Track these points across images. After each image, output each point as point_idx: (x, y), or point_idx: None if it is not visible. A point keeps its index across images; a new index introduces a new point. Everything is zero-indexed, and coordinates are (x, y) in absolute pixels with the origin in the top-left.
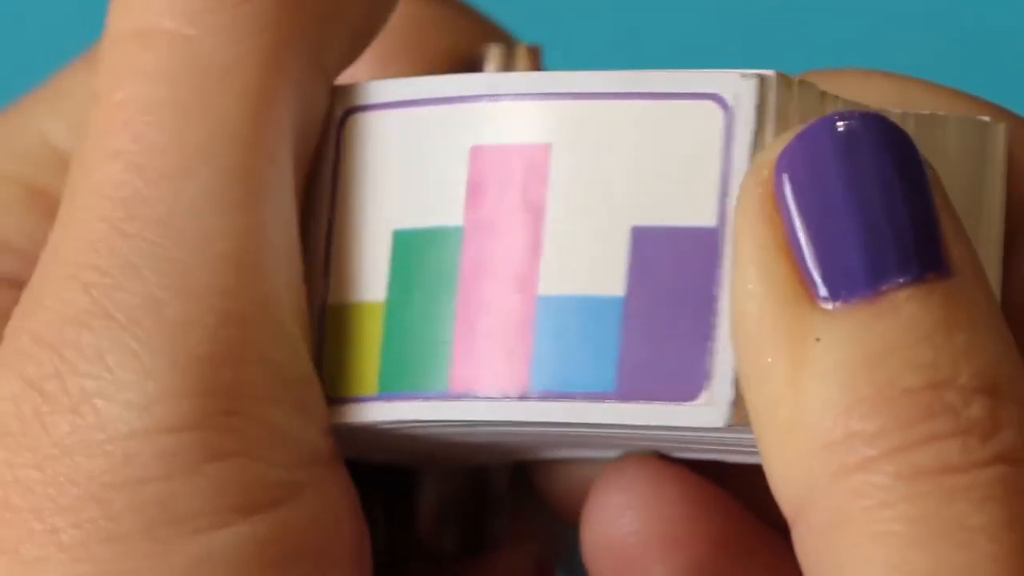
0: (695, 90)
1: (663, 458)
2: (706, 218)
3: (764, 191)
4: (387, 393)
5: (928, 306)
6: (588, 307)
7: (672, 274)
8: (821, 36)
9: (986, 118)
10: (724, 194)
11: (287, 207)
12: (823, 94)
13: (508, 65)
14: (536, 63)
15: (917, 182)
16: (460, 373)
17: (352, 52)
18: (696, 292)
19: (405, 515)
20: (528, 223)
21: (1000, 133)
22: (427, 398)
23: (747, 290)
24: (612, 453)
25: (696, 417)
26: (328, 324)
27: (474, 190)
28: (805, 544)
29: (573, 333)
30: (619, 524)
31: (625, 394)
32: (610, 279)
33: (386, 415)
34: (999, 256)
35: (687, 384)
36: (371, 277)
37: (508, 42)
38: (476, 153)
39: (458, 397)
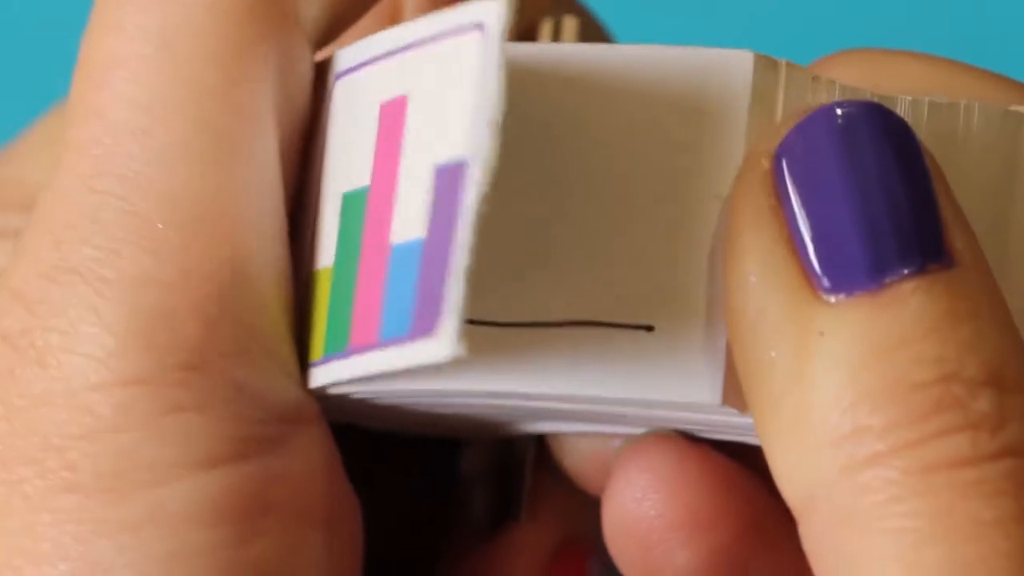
0: (461, 23)
1: (687, 437)
2: (461, 149)
3: (764, 182)
4: (323, 358)
5: (932, 298)
6: (406, 253)
7: (446, 210)
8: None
9: (1022, 108)
10: (473, 124)
11: (266, 168)
12: (816, 78)
13: (556, 38)
14: (578, 35)
15: (917, 172)
16: (355, 333)
17: (334, 9)
18: (454, 227)
19: (444, 485)
20: (394, 174)
21: None
22: (331, 360)
23: (748, 282)
24: (615, 428)
25: (425, 353)
26: (309, 290)
27: (378, 147)
28: (813, 539)
29: (398, 281)
30: (643, 507)
31: (408, 337)
32: (419, 222)
33: (315, 380)
34: None
35: (433, 321)
36: (327, 242)
37: (575, 12)
38: (382, 110)
39: (346, 355)
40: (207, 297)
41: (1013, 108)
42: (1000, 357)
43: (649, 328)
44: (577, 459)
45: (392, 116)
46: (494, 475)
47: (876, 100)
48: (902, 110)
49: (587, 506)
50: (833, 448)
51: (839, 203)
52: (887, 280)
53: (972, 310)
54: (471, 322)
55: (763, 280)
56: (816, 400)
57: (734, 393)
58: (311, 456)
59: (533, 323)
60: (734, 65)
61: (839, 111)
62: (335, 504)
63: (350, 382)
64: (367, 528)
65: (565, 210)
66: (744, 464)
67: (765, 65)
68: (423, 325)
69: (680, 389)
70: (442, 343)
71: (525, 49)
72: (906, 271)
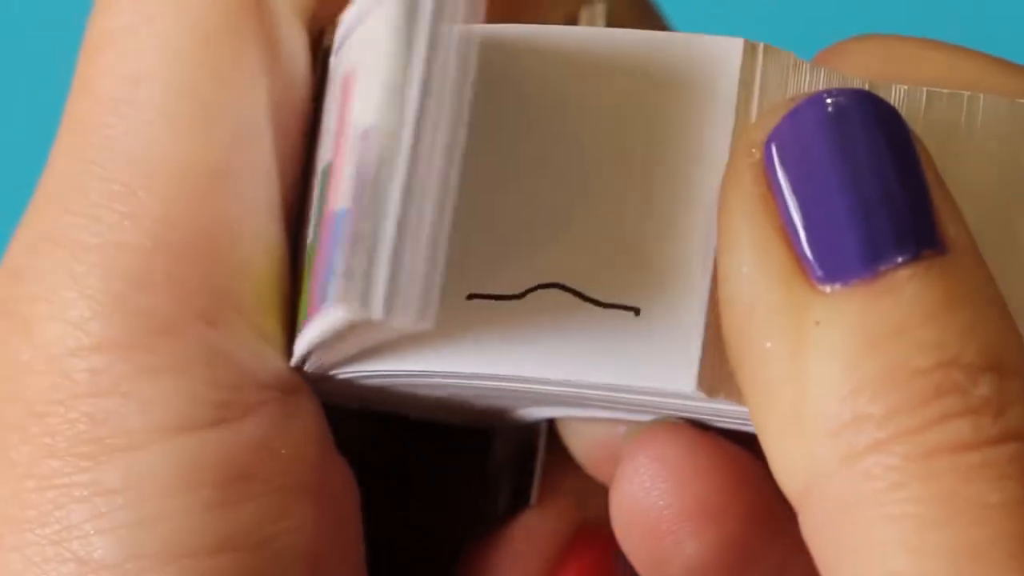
0: None
1: (696, 425)
2: (370, 116)
3: (755, 171)
4: (298, 333)
5: (928, 284)
6: (339, 222)
7: (361, 178)
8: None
9: None
10: (378, 91)
11: (253, 138)
12: (798, 65)
13: (590, 23)
14: (607, 20)
15: (909, 159)
16: (310, 305)
17: None
18: (364, 194)
19: (477, 474)
20: (342, 146)
21: None
22: (299, 335)
23: (741, 273)
24: (617, 414)
25: (324, 320)
26: (301, 268)
27: (338, 121)
28: (814, 530)
29: (333, 249)
30: (652, 496)
31: (324, 305)
32: (347, 191)
33: (293, 356)
34: None
35: (334, 287)
36: (312, 217)
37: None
38: (342, 84)
39: (302, 329)
40: (184, 263)
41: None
42: (998, 342)
43: (636, 311)
44: (584, 446)
45: (346, 89)
46: (518, 463)
47: (868, 88)
48: (896, 99)
49: (604, 492)
50: (832, 437)
51: (832, 192)
52: (882, 268)
53: (968, 295)
54: (472, 296)
55: (756, 270)
56: (814, 390)
57: (713, 381)
58: (293, 426)
59: (519, 294)
60: (723, 51)
61: (829, 99)
62: (325, 478)
63: (304, 357)
64: (400, 516)
65: (554, 190)
66: (752, 452)
67: (753, 51)
68: (331, 291)
69: (656, 375)
70: (334, 308)
71: (514, 30)
72: (901, 259)
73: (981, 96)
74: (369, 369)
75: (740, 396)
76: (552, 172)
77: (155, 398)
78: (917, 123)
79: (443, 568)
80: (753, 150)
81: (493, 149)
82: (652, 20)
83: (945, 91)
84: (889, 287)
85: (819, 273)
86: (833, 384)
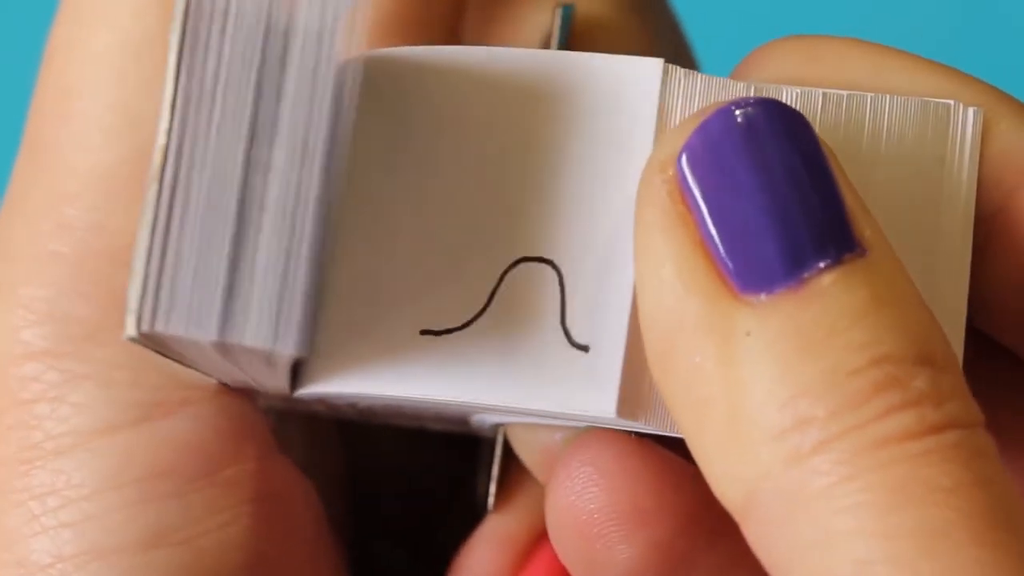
0: None
1: (632, 431)
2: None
3: (670, 187)
4: None
5: (853, 286)
6: None
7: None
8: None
9: (948, 101)
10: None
11: None
12: (712, 81)
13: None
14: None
15: (820, 166)
16: None
17: None
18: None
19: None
20: None
21: (968, 117)
22: None
23: (662, 291)
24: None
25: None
26: None
27: None
28: (761, 534)
29: None
30: (584, 499)
31: None
32: None
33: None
34: (966, 246)
35: None
36: None
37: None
38: None
39: None
40: (112, 270)
41: (936, 100)
42: (927, 337)
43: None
44: (528, 452)
45: None
46: (487, 468)
47: (754, 91)
48: (789, 102)
49: None
50: (775, 442)
51: (749, 202)
52: (805, 275)
53: (892, 294)
54: (430, 332)
55: (678, 287)
56: (751, 399)
57: (634, 405)
58: (220, 424)
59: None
60: (643, 72)
61: (737, 110)
62: (263, 477)
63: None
64: (411, 512)
65: (472, 222)
66: (685, 457)
67: (671, 73)
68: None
69: (578, 403)
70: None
71: (436, 52)
72: (822, 264)
73: (887, 97)
74: (330, 391)
75: (661, 417)
76: (466, 204)
77: (82, 403)
78: (815, 124)
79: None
80: (665, 166)
81: (414, 184)
82: (655, 19)
83: (844, 93)
84: (814, 292)
85: (743, 284)
86: (771, 391)
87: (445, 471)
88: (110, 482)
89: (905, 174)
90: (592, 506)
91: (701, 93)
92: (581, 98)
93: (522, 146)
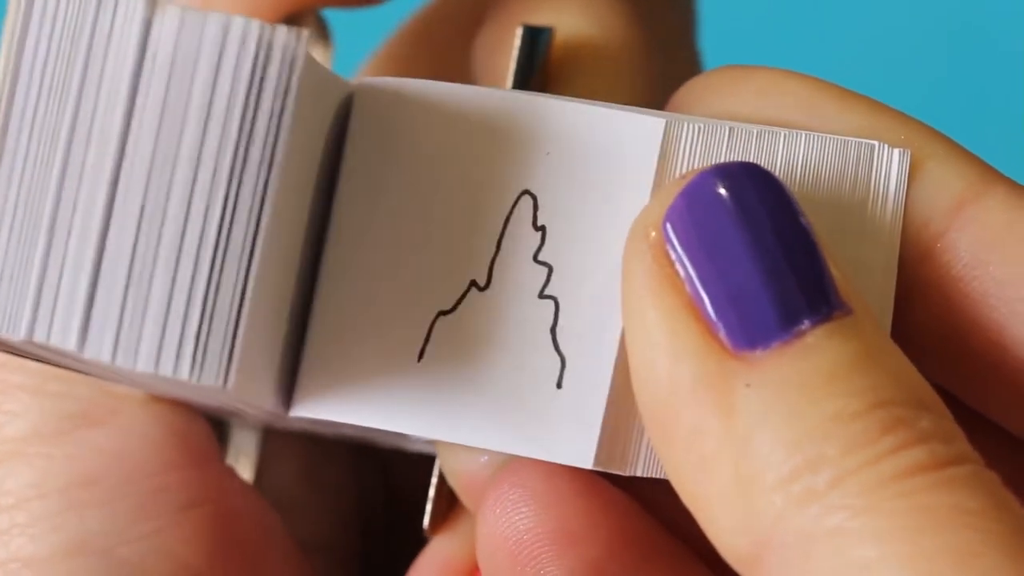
0: None
1: None
2: None
3: (656, 251)
4: None
5: (846, 340)
6: None
7: None
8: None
9: (872, 142)
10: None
11: None
12: (707, 129)
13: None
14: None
15: (802, 226)
16: None
17: None
18: None
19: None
20: None
21: (894, 158)
22: None
23: (654, 353)
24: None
25: None
26: None
27: None
28: (781, 573)
29: None
30: (514, 521)
31: None
32: None
33: None
34: (890, 287)
35: None
36: None
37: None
38: None
39: None
40: None
41: (859, 140)
42: (919, 385)
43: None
44: (452, 477)
45: None
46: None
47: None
48: (691, 134)
49: None
50: (787, 484)
51: (738, 263)
52: (799, 330)
53: (879, 347)
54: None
55: (671, 349)
56: (757, 447)
57: (609, 457)
58: (153, 433)
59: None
60: (642, 128)
61: (721, 174)
62: (203, 489)
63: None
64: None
65: (464, 256)
66: (615, 483)
67: (672, 128)
68: None
69: (556, 452)
70: None
71: (431, 88)
72: (814, 320)
73: (802, 134)
74: (316, 416)
75: (628, 464)
76: (452, 240)
77: (16, 411)
78: (720, 157)
79: None
80: (649, 230)
81: (402, 217)
82: (660, 21)
83: (755, 128)
84: (809, 345)
85: (736, 342)
86: (777, 436)
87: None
88: (35, 491)
89: (823, 214)
90: (522, 527)
91: (702, 145)
92: (576, 146)
93: (509, 190)
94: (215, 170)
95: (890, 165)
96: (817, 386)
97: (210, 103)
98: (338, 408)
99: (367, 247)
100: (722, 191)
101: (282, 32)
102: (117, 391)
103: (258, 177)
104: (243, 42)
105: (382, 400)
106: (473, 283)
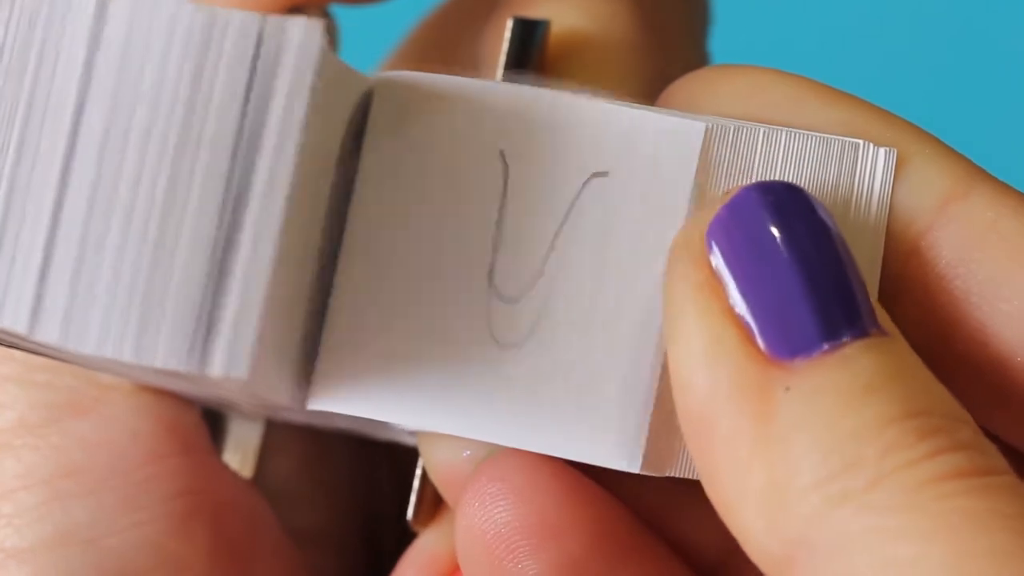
0: None
1: None
2: None
3: (699, 261)
4: None
5: (882, 355)
6: None
7: None
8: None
9: (858, 140)
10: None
11: None
12: (749, 131)
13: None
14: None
15: (838, 244)
16: None
17: None
18: None
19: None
20: None
21: (880, 157)
22: None
23: (695, 360)
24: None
25: None
26: None
27: None
28: (816, 572)
29: None
30: (492, 514)
31: None
32: None
33: None
34: (874, 284)
35: None
36: None
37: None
38: None
39: None
40: None
41: (843, 138)
42: (953, 401)
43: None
44: (433, 470)
45: None
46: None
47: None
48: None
49: None
50: (825, 484)
51: (781, 276)
52: (838, 343)
53: (915, 364)
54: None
55: (711, 353)
56: (794, 450)
57: (651, 459)
58: (138, 424)
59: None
60: (683, 134)
61: (763, 191)
62: (193, 481)
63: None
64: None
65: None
66: (594, 477)
67: (712, 134)
68: None
69: (598, 453)
70: None
71: (459, 84)
72: (852, 336)
73: (782, 131)
74: (333, 410)
75: (667, 467)
76: (474, 241)
77: (3, 403)
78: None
79: None
80: (694, 240)
81: (423, 216)
82: (667, 18)
83: (732, 124)
84: (848, 356)
85: (777, 350)
86: (816, 439)
87: None
88: (20, 481)
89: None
90: (500, 520)
91: (743, 149)
92: (611, 148)
93: (537, 188)
94: (160, 154)
95: (875, 164)
96: (856, 394)
97: (159, 86)
98: (357, 402)
99: (386, 240)
100: (765, 207)
101: (237, 16)
102: (104, 381)
103: (264, 165)
104: (190, 27)
105: (404, 395)
106: (494, 277)
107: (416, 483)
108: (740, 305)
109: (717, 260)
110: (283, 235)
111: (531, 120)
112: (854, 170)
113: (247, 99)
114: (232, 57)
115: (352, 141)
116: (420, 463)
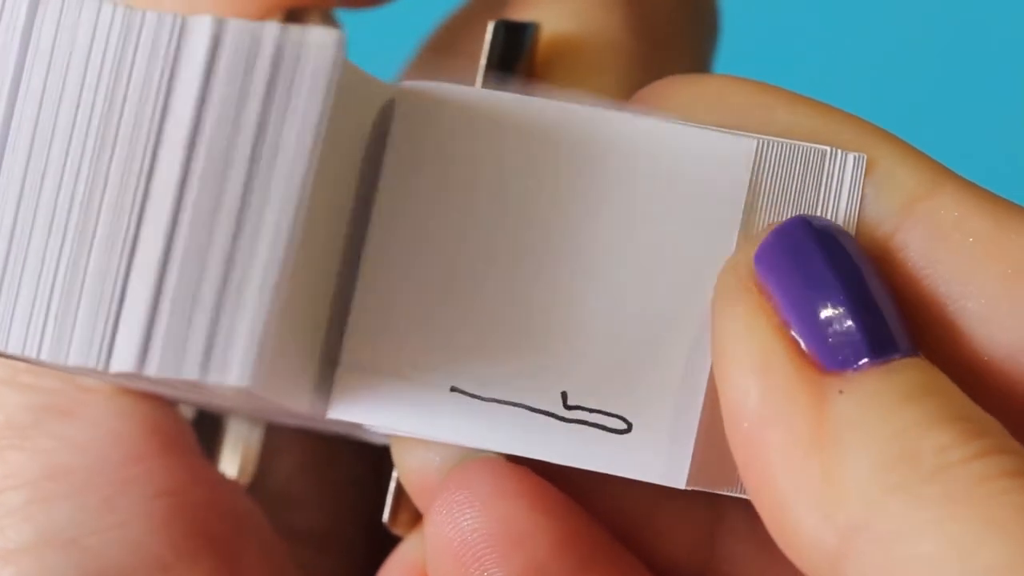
0: None
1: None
2: None
3: (748, 284)
4: None
5: (923, 372)
6: None
7: None
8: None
9: (824, 147)
10: None
11: None
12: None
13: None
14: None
15: (875, 273)
16: None
17: None
18: None
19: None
20: None
21: (848, 162)
22: None
23: (743, 373)
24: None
25: None
26: None
27: None
28: (867, 564)
29: None
30: (459, 522)
31: None
32: None
33: None
34: None
35: None
36: None
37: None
38: None
39: None
40: None
41: (810, 144)
42: (984, 411)
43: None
44: (408, 481)
45: None
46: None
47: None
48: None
49: None
50: (880, 476)
51: (830, 297)
52: (887, 359)
53: (949, 381)
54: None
55: (763, 366)
56: (851, 445)
57: (697, 476)
58: (114, 425)
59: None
60: (733, 151)
61: (810, 220)
62: (175, 483)
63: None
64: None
65: (556, 288)
66: (559, 485)
67: (763, 151)
68: None
69: (647, 471)
70: None
71: (488, 96)
72: (899, 355)
73: (781, 142)
74: (353, 420)
75: (714, 484)
76: (559, 270)
77: None
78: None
79: None
80: (742, 267)
81: (448, 228)
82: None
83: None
84: (896, 368)
85: (833, 365)
86: (871, 436)
87: None
88: (6, 482)
89: (775, 216)
90: (467, 528)
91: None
92: (649, 164)
93: (571, 203)
94: (81, 152)
95: (844, 169)
96: (909, 395)
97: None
98: (379, 412)
99: (407, 250)
100: (815, 231)
101: (152, 16)
102: (86, 383)
103: (262, 171)
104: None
105: (428, 406)
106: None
107: (392, 485)
108: (791, 323)
109: (765, 283)
110: (290, 246)
111: (564, 134)
112: (822, 175)
113: (163, 96)
114: (146, 54)
115: (375, 150)
116: (391, 471)
